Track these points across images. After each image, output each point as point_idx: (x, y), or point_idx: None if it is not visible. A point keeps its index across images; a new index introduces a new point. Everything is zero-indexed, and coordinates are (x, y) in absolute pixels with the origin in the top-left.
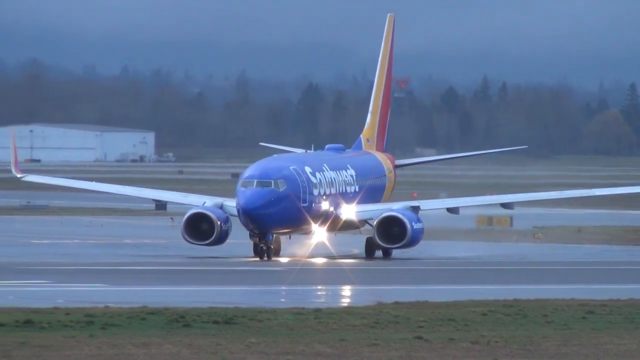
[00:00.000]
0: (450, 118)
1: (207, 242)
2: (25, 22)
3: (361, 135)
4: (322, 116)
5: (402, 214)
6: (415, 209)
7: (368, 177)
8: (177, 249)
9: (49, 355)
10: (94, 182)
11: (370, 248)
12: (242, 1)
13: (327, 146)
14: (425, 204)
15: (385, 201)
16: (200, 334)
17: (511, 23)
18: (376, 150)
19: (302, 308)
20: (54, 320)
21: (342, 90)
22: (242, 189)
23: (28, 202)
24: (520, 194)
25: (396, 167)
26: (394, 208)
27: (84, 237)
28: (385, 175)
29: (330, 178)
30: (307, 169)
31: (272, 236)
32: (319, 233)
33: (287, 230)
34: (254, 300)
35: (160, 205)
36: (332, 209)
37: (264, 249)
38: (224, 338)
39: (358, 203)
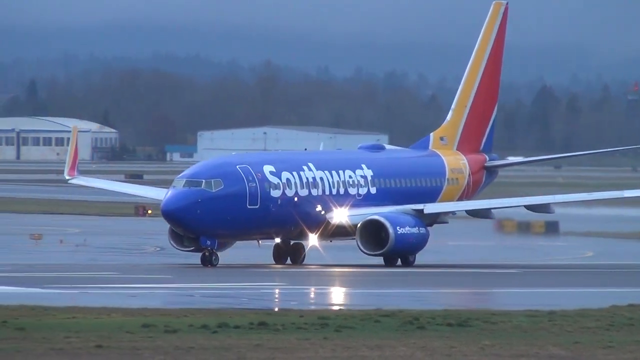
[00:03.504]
0: None
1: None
2: (259, 25)
3: (432, 133)
4: (555, 119)
5: (386, 218)
6: (419, 213)
7: (399, 178)
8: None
9: (283, 357)
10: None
11: (388, 258)
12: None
13: (359, 145)
14: (430, 207)
15: None
16: (434, 336)
17: None
18: (459, 149)
19: (536, 310)
20: (288, 323)
21: (576, 93)
22: (170, 189)
23: None
24: (546, 196)
25: (489, 168)
26: (383, 211)
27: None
28: (444, 178)
29: (314, 178)
30: (268, 168)
31: (213, 242)
32: (298, 239)
33: (231, 235)
34: (488, 303)
35: None
36: (315, 212)
37: (207, 255)
38: (457, 340)
39: (376, 206)
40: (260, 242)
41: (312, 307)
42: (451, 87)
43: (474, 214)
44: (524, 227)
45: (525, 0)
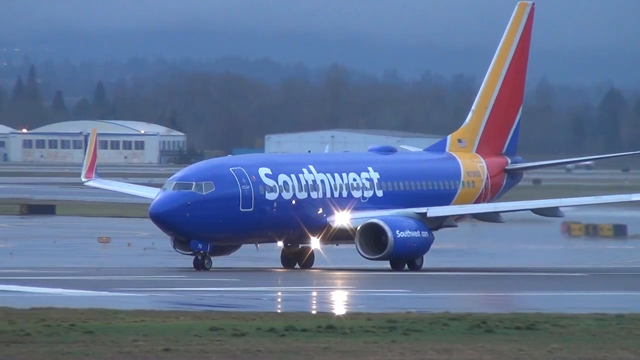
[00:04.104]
0: None
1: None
2: (326, 28)
3: (449, 135)
4: (623, 122)
5: (385, 221)
6: (423, 216)
7: (408, 181)
8: (474, 255)
9: None
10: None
11: (393, 262)
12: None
13: (369, 147)
14: (433, 211)
15: None
16: (502, 339)
17: None
18: (478, 152)
19: (604, 314)
20: (356, 326)
21: None
22: (160, 191)
23: None
24: (553, 200)
25: (510, 171)
26: (384, 214)
27: None
28: (459, 181)
29: (314, 181)
30: (263, 171)
31: (205, 245)
32: (299, 242)
33: (225, 239)
34: (556, 306)
35: None
36: (315, 216)
37: (199, 259)
38: (525, 344)
39: (382, 209)
40: (258, 246)
41: (381, 311)
42: None
43: (481, 217)
44: (592, 231)
45: (593, 4)
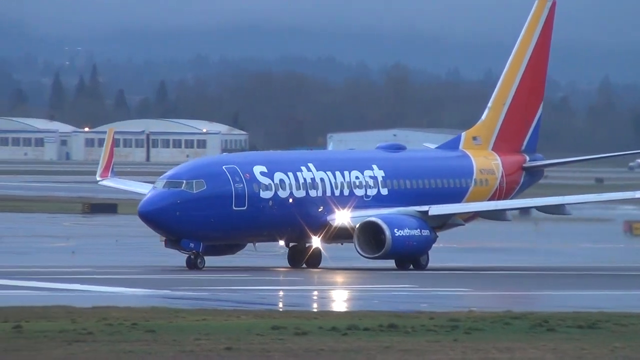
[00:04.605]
0: None
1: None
2: (387, 26)
3: (464, 133)
4: None
5: (383, 219)
6: (424, 215)
7: (415, 179)
8: (537, 253)
9: None
10: None
11: (399, 262)
12: (609, 4)
13: (377, 145)
14: (435, 209)
15: None
16: (564, 338)
17: None
18: (495, 150)
19: None
20: (418, 325)
21: None
22: (151, 189)
23: None
24: (556, 197)
25: (529, 168)
26: (383, 213)
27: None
28: (471, 179)
29: (312, 179)
30: (258, 169)
31: (197, 244)
32: (299, 241)
33: (217, 238)
34: (618, 305)
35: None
36: (314, 214)
37: (192, 258)
38: (588, 342)
39: (386, 207)
40: (256, 245)
41: (443, 310)
42: (583, 89)
43: (487, 216)
44: None
45: None
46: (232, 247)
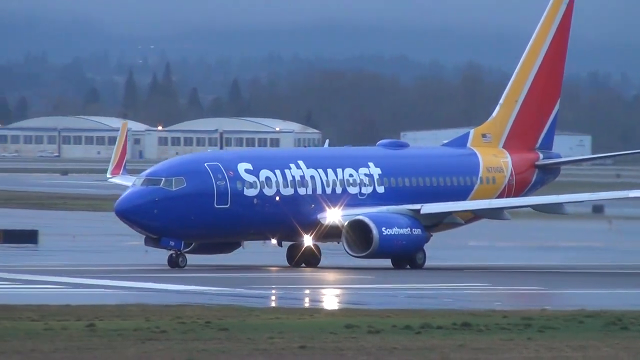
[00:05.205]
0: None
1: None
2: (461, 24)
3: (473, 130)
4: None
5: (371, 218)
6: (416, 213)
7: (415, 176)
8: (610, 252)
9: (486, 358)
10: None
11: (396, 261)
12: None
13: (378, 142)
14: (427, 207)
15: None
16: (637, 336)
17: None
18: (506, 147)
19: None
20: (491, 323)
21: None
22: (130, 187)
23: None
24: (550, 196)
25: (542, 166)
26: (372, 211)
27: (515, 241)
28: (477, 177)
29: (302, 177)
30: (243, 166)
31: (178, 242)
32: (290, 240)
33: (199, 236)
34: None
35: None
36: (304, 212)
37: (173, 257)
38: None
39: (382, 206)
40: (243, 243)
41: (516, 308)
42: None
43: (484, 215)
44: None
45: None
46: (226, 246)
